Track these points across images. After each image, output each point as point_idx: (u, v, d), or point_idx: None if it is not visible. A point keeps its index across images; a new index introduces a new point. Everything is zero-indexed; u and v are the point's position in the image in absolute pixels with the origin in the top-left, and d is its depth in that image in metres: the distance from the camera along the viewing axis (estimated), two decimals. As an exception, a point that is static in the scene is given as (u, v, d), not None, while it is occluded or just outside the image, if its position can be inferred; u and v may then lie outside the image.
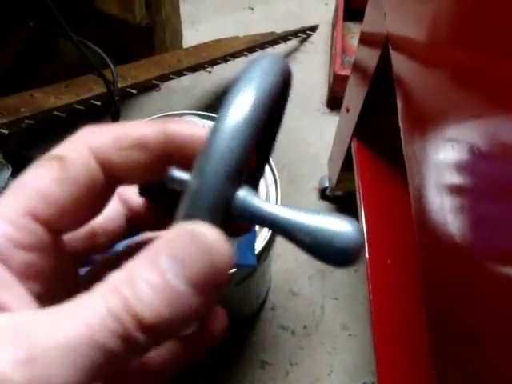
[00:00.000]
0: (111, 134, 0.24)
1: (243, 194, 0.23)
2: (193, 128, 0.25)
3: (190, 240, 0.19)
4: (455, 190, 0.44)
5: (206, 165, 0.20)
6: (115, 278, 0.19)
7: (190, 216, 0.20)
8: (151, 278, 0.18)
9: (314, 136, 1.47)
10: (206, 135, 0.21)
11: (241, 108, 0.21)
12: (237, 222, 0.23)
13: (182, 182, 0.23)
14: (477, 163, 0.39)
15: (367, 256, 0.83)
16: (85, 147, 0.23)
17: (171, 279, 0.18)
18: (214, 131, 0.21)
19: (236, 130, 0.20)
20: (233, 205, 0.22)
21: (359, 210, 0.98)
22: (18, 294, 0.20)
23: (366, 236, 0.89)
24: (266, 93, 0.22)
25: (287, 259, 1.26)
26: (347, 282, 1.25)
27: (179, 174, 0.23)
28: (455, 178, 0.44)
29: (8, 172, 1.03)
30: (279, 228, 0.22)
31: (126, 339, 0.18)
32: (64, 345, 0.17)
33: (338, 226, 0.21)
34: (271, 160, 1.04)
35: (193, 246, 0.19)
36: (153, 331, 0.18)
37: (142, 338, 0.18)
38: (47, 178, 0.22)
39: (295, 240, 0.22)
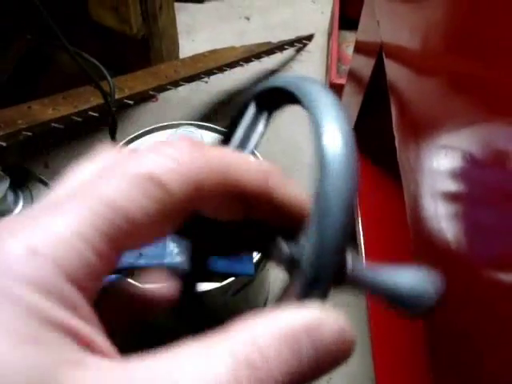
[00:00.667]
0: (215, 164, 0.21)
1: (352, 262, 0.23)
2: (296, 191, 0.25)
3: (332, 335, 0.18)
4: (449, 196, 0.44)
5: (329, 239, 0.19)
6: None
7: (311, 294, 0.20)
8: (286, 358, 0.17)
9: (309, 145, 1.47)
10: (314, 205, 0.21)
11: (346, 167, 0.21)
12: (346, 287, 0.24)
13: (295, 257, 0.22)
14: (470, 170, 0.40)
15: (364, 263, 0.83)
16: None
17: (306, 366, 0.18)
18: (328, 207, 0.20)
19: (348, 207, 0.20)
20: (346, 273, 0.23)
21: (356, 218, 0.98)
22: (96, 327, 0.18)
23: (362, 242, 0.89)
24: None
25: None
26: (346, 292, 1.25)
27: (292, 248, 0.23)
28: (449, 185, 0.44)
29: (6, 183, 1.03)
30: (379, 292, 0.23)
31: None
32: None
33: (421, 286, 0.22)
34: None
35: (332, 344, 0.18)
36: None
37: None
38: (143, 203, 0.19)
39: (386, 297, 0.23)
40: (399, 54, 0.63)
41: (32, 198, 1.11)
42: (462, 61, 0.44)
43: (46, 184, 1.13)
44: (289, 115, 1.52)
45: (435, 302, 0.22)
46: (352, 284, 0.23)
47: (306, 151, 1.47)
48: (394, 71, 0.64)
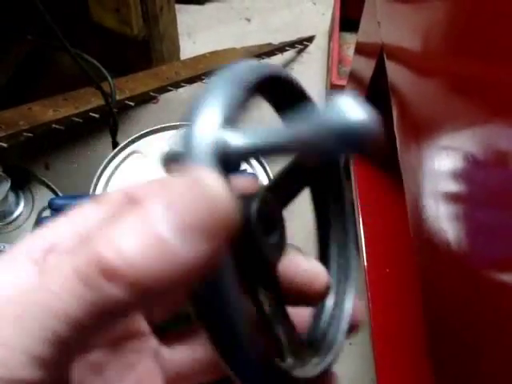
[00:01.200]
0: None
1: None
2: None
3: (187, 184, 0.17)
4: (451, 197, 0.44)
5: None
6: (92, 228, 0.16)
7: None
8: (133, 226, 0.16)
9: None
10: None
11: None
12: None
13: None
14: (471, 171, 0.40)
15: (365, 265, 0.83)
16: None
17: (158, 227, 0.16)
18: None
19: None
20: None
21: (357, 220, 0.98)
22: None
23: (364, 245, 0.89)
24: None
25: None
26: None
27: None
28: (450, 186, 0.44)
29: (7, 184, 1.03)
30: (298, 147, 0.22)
31: (95, 298, 0.15)
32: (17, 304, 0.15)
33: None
34: (269, 172, 1.05)
35: (188, 191, 0.16)
36: (131, 285, 0.15)
37: (116, 293, 0.15)
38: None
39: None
40: (400, 56, 0.63)
41: (33, 199, 1.11)
42: (463, 62, 0.44)
43: (46, 185, 1.13)
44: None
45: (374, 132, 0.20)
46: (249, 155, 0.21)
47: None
48: (395, 72, 0.64)
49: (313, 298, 0.25)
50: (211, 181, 0.17)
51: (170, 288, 0.16)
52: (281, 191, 0.26)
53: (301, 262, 0.25)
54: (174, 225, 0.16)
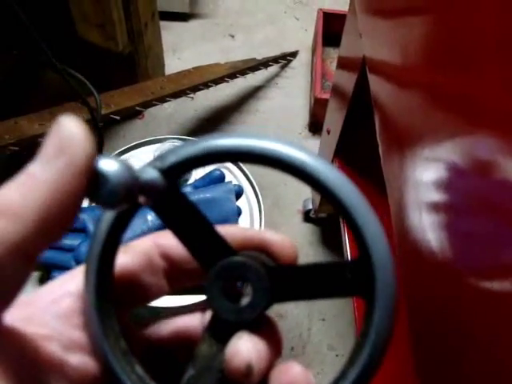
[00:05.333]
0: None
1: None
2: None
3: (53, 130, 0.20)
4: (433, 206, 0.44)
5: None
6: None
7: None
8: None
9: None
10: None
11: None
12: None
13: None
14: (453, 180, 0.40)
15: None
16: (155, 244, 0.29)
17: (29, 168, 0.20)
18: None
19: None
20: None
21: (343, 231, 0.99)
22: None
23: (348, 251, 0.89)
24: None
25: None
26: (333, 303, 1.26)
27: None
28: (433, 195, 0.44)
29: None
30: None
31: None
32: None
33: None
34: (254, 183, 1.06)
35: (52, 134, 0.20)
36: (14, 216, 0.19)
37: (5, 225, 0.18)
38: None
39: None
40: (382, 68, 0.64)
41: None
42: (443, 75, 0.45)
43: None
44: (275, 130, 1.54)
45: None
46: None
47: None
48: (378, 85, 0.65)
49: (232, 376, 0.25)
50: (65, 121, 0.20)
51: (49, 214, 0.19)
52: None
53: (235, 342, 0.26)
54: (38, 159, 0.20)
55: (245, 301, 0.26)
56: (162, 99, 1.30)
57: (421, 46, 0.50)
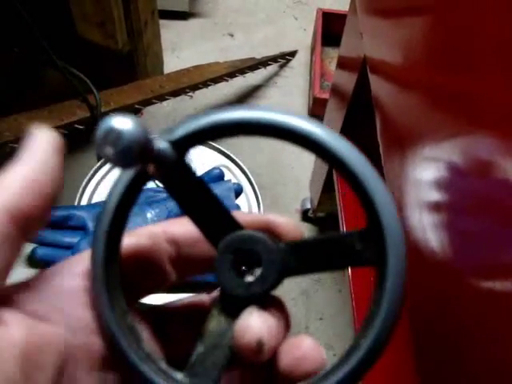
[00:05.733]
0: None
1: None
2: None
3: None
4: (433, 205, 0.45)
5: None
6: None
7: None
8: None
9: (295, 159, 1.49)
10: None
11: None
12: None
13: None
14: (452, 180, 0.41)
15: (350, 274, 0.84)
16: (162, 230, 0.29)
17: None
18: None
19: None
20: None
21: (341, 231, 0.99)
22: None
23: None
24: None
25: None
26: (331, 303, 1.26)
27: None
28: (433, 195, 0.44)
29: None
30: None
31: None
32: None
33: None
34: (254, 182, 1.06)
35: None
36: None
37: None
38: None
39: None
40: (383, 68, 0.64)
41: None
42: (444, 75, 0.45)
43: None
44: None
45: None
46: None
47: (292, 165, 1.48)
48: (379, 85, 0.65)
49: (242, 352, 0.25)
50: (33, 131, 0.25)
51: (28, 184, 0.23)
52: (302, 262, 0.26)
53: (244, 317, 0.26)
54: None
55: (254, 275, 0.25)
56: (162, 97, 1.31)
57: (422, 46, 0.50)
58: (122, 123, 0.20)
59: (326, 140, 0.24)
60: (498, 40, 0.35)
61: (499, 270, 0.33)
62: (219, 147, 1.12)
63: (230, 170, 1.09)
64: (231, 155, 1.11)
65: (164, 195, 0.95)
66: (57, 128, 1.09)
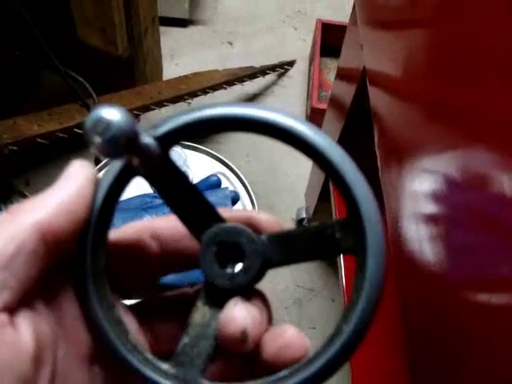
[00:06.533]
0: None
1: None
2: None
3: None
4: (430, 217, 0.45)
5: None
6: None
7: None
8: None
9: (291, 168, 1.49)
10: None
11: None
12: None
13: None
14: (449, 193, 0.41)
15: (344, 282, 0.84)
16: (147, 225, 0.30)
17: None
18: None
19: None
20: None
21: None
22: None
23: (343, 265, 0.89)
24: None
25: (264, 289, 1.26)
26: (324, 312, 1.26)
27: None
28: (430, 207, 0.44)
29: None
30: None
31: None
32: None
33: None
34: (250, 190, 1.06)
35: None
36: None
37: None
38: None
39: None
40: (383, 80, 0.65)
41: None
42: (442, 88, 0.45)
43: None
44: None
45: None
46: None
47: (288, 174, 1.48)
48: (378, 96, 0.65)
49: (226, 342, 0.25)
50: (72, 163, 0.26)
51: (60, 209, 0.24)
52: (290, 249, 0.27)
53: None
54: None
55: (237, 267, 0.26)
56: (160, 104, 1.31)
57: (422, 59, 0.50)
58: (111, 114, 0.21)
59: (306, 134, 0.25)
60: (498, 53, 0.35)
61: (495, 282, 0.33)
62: (217, 154, 1.12)
63: (227, 177, 1.09)
64: (228, 163, 1.11)
65: (160, 201, 0.95)
66: (56, 131, 1.09)
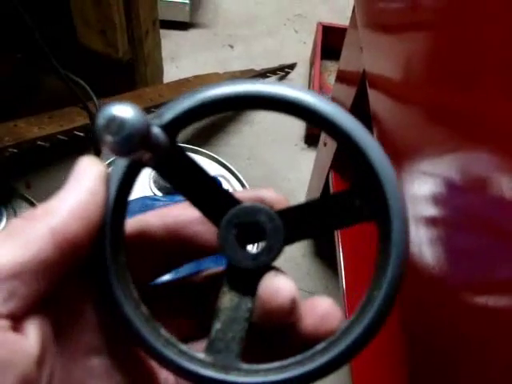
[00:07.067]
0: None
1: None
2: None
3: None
4: (429, 220, 0.45)
5: None
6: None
7: None
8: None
9: (291, 171, 1.49)
10: None
11: None
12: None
13: None
14: (450, 196, 0.41)
15: (344, 285, 0.84)
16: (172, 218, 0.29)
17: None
18: None
19: None
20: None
21: (336, 243, 0.99)
22: None
23: (343, 269, 0.89)
24: None
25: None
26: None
27: None
28: (428, 209, 0.45)
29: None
30: None
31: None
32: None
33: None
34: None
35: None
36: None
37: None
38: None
39: None
40: (382, 83, 0.65)
41: (16, 215, 1.11)
42: (442, 91, 0.45)
43: (30, 202, 1.12)
44: (271, 141, 1.55)
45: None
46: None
47: (288, 178, 1.48)
48: (377, 99, 0.66)
49: (273, 316, 0.25)
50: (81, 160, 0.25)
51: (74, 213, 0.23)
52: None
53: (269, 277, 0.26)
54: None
55: (259, 248, 0.26)
56: (161, 107, 1.30)
57: (421, 62, 0.51)
58: (124, 111, 0.20)
59: (314, 103, 0.25)
60: (499, 57, 0.35)
61: (494, 285, 0.33)
62: (217, 157, 1.12)
63: (227, 180, 1.09)
64: (228, 165, 1.11)
65: (162, 203, 0.95)
66: (56, 134, 1.10)
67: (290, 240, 0.26)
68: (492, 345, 0.33)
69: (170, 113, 0.25)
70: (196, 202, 0.27)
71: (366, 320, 0.25)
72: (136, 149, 0.21)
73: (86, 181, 0.24)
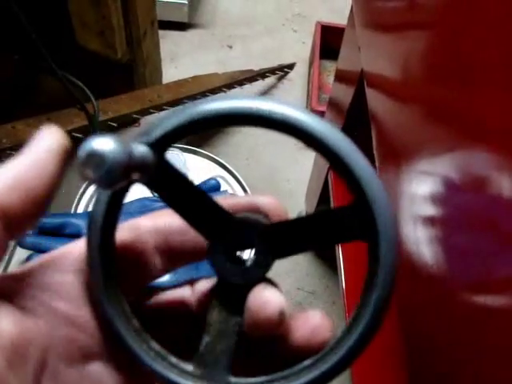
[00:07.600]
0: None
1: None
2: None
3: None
4: (427, 219, 0.45)
5: None
6: None
7: None
8: None
9: (291, 172, 1.49)
10: None
11: None
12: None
13: None
14: (448, 195, 0.41)
15: (344, 285, 0.84)
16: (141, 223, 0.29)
17: None
18: None
19: None
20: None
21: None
22: None
23: (343, 269, 0.89)
24: None
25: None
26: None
27: None
28: (427, 208, 0.45)
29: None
30: None
31: None
32: None
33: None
34: (249, 193, 1.06)
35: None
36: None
37: None
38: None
39: None
40: (380, 82, 0.65)
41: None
42: (441, 90, 0.45)
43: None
44: (270, 141, 1.54)
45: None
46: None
47: (288, 178, 1.48)
48: (376, 99, 0.66)
49: (260, 328, 0.25)
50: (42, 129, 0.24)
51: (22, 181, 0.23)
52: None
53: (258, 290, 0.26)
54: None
55: (248, 262, 0.26)
56: (160, 107, 1.31)
57: (419, 61, 0.51)
58: (104, 144, 0.19)
59: (301, 121, 0.24)
60: (497, 55, 0.35)
61: (493, 285, 0.33)
62: (216, 158, 1.12)
63: (226, 180, 1.09)
64: (228, 166, 1.11)
65: (160, 204, 0.95)
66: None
67: (281, 255, 0.26)
68: (492, 345, 0.33)
69: (159, 130, 0.25)
70: (186, 217, 0.27)
71: (351, 339, 0.25)
72: (119, 180, 0.20)
73: (38, 153, 0.23)
